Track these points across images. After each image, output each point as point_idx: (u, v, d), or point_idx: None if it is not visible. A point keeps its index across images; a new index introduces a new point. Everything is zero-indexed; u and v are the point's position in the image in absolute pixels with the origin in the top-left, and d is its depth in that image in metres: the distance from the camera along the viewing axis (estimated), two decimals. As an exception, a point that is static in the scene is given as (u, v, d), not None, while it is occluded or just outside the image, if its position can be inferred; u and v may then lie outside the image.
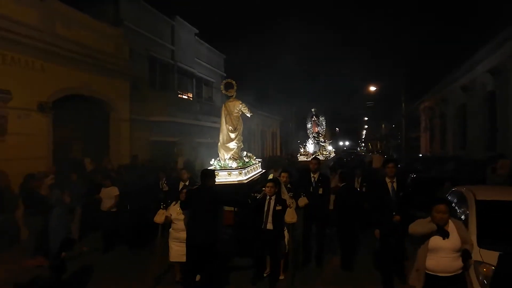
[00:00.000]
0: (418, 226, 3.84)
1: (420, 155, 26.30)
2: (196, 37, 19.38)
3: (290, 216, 5.68)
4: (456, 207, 5.27)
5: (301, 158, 14.40)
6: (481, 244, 4.08)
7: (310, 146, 15.05)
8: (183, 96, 18.36)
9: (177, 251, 5.63)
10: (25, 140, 9.30)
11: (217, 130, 7.62)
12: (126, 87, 13.22)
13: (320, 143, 15.34)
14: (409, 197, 5.90)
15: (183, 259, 5.34)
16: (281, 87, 31.44)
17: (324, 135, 16.72)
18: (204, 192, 5.22)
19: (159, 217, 5.74)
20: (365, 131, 70.95)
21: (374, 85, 31.71)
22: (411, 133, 31.37)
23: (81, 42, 11.14)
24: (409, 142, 30.69)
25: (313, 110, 16.43)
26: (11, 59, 9.12)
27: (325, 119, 16.75)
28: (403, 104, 27.21)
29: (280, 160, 19.80)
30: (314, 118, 16.22)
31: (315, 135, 15.49)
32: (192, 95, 19.03)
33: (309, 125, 16.20)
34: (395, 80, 24.39)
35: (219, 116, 7.46)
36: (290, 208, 5.73)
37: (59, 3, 10.57)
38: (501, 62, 13.41)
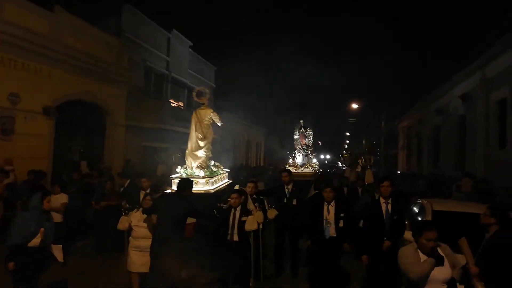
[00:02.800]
0: (416, 268, 3.36)
1: (398, 171, 27.47)
2: (190, 49, 20.24)
3: (250, 223, 5.64)
4: (418, 215, 6.19)
5: (290, 169, 14.61)
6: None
7: (299, 158, 15.12)
8: (175, 105, 19.10)
9: (136, 261, 5.34)
10: (30, 141, 9.96)
11: None
12: (123, 94, 13.94)
13: (308, 155, 15.35)
14: (404, 220, 5.45)
15: (141, 269, 5.23)
16: (267, 100, 32.47)
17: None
18: (175, 201, 5.16)
19: (122, 224, 5.58)
20: (346, 145, 72.47)
21: (357, 102, 33.18)
22: (390, 150, 32.80)
23: (85, 51, 11.87)
24: (387, 159, 32.12)
25: (301, 121, 16.13)
26: (21, 65, 9.81)
27: (312, 131, 16.44)
28: (382, 123, 28.65)
29: (264, 171, 19.82)
30: (302, 130, 16.00)
31: (304, 147, 15.42)
32: (184, 104, 19.80)
33: (296, 136, 16.02)
34: (377, 98, 25.75)
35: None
36: (252, 215, 5.70)
37: (67, 14, 11.30)
38: (471, 90, 14.67)
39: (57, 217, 6.53)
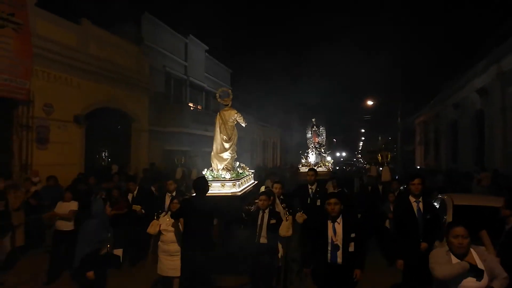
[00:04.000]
0: (444, 267, 3.15)
1: (418, 167, 27.36)
2: (206, 53, 20.72)
3: (285, 229, 5.47)
4: (440, 210, 6.43)
5: (303, 169, 13.81)
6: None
7: (312, 157, 14.84)
8: (194, 108, 19.59)
9: (166, 265, 5.31)
10: (63, 148, 10.52)
11: None
12: (146, 100, 14.47)
13: (322, 153, 15.08)
14: (439, 220, 5.10)
15: (172, 273, 5.24)
16: (282, 99, 32.78)
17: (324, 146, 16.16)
18: (200, 203, 5.03)
19: (153, 228, 5.47)
20: (361, 142, 72.14)
21: (372, 99, 33.18)
22: (407, 146, 32.71)
23: (110, 60, 12.42)
24: (404, 155, 32.05)
25: (313, 120, 15.80)
26: (54, 77, 10.37)
27: (325, 129, 16.11)
28: (399, 118, 28.63)
29: (280, 171, 19.66)
30: (315, 128, 15.63)
31: (316, 146, 15.11)
32: (202, 107, 20.28)
33: (309, 135, 15.67)
34: (392, 95, 25.85)
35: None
36: (286, 221, 5.53)
37: (92, 26, 11.84)
38: (488, 84, 14.73)
39: (67, 225, 6.40)
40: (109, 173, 11.87)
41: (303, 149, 17.69)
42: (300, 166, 14.64)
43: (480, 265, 3.09)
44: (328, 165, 14.64)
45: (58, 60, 10.36)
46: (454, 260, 3.16)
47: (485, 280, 3.05)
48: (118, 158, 13.22)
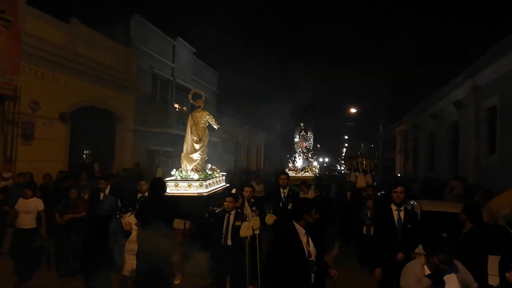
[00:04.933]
0: (409, 279, 3.26)
1: (399, 174, 27.81)
2: (193, 55, 20.95)
3: (245, 229, 5.46)
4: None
5: (290, 174, 13.26)
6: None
7: (299, 161, 14.98)
8: (179, 109, 19.78)
9: (131, 264, 5.20)
10: (48, 145, 10.61)
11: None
12: (132, 100, 14.64)
13: (309, 158, 15.20)
14: (419, 231, 4.89)
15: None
16: (267, 104, 33.21)
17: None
18: (158, 202, 4.97)
19: (129, 225, 5.36)
20: (345, 149, 73.09)
21: (355, 107, 33.92)
22: (388, 153, 33.49)
23: (98, 60, 12.57)
24: (385, 162, 32.79)
25: (301, 124, 15.84)
26: (41, 74, 10.49)
27: (313, 134, 16.14)
28: (380, 127, 29.33)
29: (266, 175, 20.16)
30: (303, 132, 15.71)
31: (304, 150, 15.23)
32: (187, 108, 20.46)
33: (296, 139, 15.70)
34: (375, 103, 26.50)
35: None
36: (246, 221, 5.54)
37: (81, 25, 11.98)
38: (463, 97, 15.36)
39: (29, 223, 6.25)
40: (91, 172, 12.00)
41: (288, 153, 17.91)
42: (287, 170, 14.36)
43: (453, 279, 3.18)
44: (315, 170, 14.85)
45: (46, 57, 10.49)
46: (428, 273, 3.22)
47: None
48: (102, 157, 13.33)
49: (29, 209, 6.32)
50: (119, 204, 6.74)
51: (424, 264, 3.27)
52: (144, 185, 7.02)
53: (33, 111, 10.18)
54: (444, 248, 3.21)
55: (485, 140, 13.51)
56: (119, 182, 9.58)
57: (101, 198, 7.07)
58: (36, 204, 6.41)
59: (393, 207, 4.94)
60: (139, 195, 6.83)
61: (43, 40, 10.35)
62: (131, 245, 5.22)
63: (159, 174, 11.95)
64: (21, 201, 6.36)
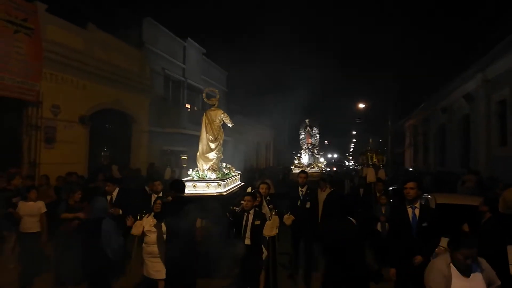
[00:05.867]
0: (436, 279, 3.24)
1: (410, 169, 27.66)
2: (203, 56, 21.23)
3: (269, 229, 5.42)
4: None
5: (296, 170, 13.63)
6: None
7: (305, 158, 14.80)
8: (191, 109, 20.08)
9: (151, 267, 5.22)
10: (69, 148, 10.95)
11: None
12: (147, 102, 14.95)
13: (315, 154, 15.04)
14: (437, 229, 4.56)
15: (157, 276, 5.14)
16: (276, 101, 33.36)
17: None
18: (180, 203, 5.00)
19: (136, 229, 5.35)
20: (353, 144, 73.07)
21: (364, 102, 33.96)
22: (397, 148, 33.54)
23: (113, 63, 12.89)
24: (394, 157, 32.86)
25: (306, 120, 15.57)
26: (61, 79, 10.82)
27: (319, 130, 15.84)
28: (389, 122, 29.39)
29: (273, 172, 19.80)
30: (308, 128, 15.37)
31: (310, 147, 15.05)
32: (199, 108, 20.76)
33: (302, 136, 15.44)
34: (383, 98, 26.55)
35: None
36: (269, 220, 5.50)
37: (98, 31, 12.31)
38: (474, 90, 15.46)
39: (33, 227, 6.13)
40: (109, 173, 12.31)
41: (296, 150, 17.87)
42: (293, 167, 14.47)
43: (477, 274, 3.20)
44: (321, 166, 14.55)
45: (66, 63, 10.82)
46: (455, 273, 3.19)
47: (483, 287, 3.17)
48: (119, 158, 13.66)
49: (32, 212, 6.18)
50: (112, 209, 6.36)
51: (450, 263, 3.23)
52: (159, 186, 7.03)
53: (54, 115, 10.52)
54: (468, 243, 3.18)
55: (496, 132, 13.63)
56: (127, 183, 9.36)
57: (108, 201, 6.64)
58: (38, 206, 6.26)
59: (407, 204, 4.69)
60: (154, 196, 6.79)
61: (62, 46, 10.68)
62: (150, 248, 5.22)
63: (167, 174, 11.78)
64: (21, 204, 6.21)
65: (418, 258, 4.33)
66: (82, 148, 11.61)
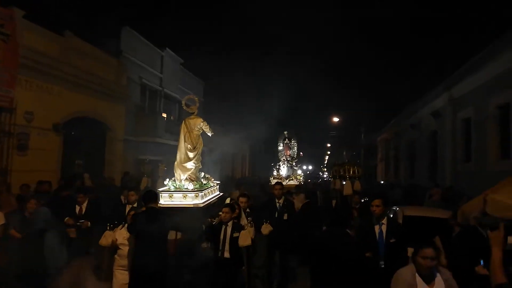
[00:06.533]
0: (402, 285, 3.32)
1: (382, 182, 28.17)
2: (180, 66, 21.34)
3: (243, 239, 5.28)
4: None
5: (274, 182, 13.02)
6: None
7: (283, 170, 14.95)
8: (167, 119, 20.06)
9: (122, 280, 5.04)
10: (41, 155, 10.78)
11: None
12: (122, 110, 14.89)
13: (293, 166, 15.17)
14: (404, 243, 4.57)
15: None
16: (252, 112, 33.64)
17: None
18: (152, 215, 4.86)
19: (105, 240, 5.15)
20: (327, 157, 74.10)
21: (338, 116, 34.79)
22: (370, 161, 34.40)
23: (90, 71, 12.83)
24: (367, 170, 33.67)
25: (285, 133, 15.69)
26: (36, 85, 10.71)
27: (297, 142, 15.90)
28: (362, 135, 30.21)
29: (251, 183, 19.00)
30: (287, 141, 15.53)
31: (288, 158, 15.22)
32: (175, 118, 20.78)
33: (280, 148, 15.55)
34: (356, 113, 27.36)
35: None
36: (245, 230, 5.38)
37: (75, 38, 12.27)
38: (441, 107, 16.19)
39: None
40: (82, 182, 12.13)
41: (272, 161, 18.05)
42: (272, 178, 14.47)
43: (441, 285, 3.29)
44: (300, 179, 14.63)
45: (41, 69, 10.72)
46: (420, 283, 3.29)
47: None
48: (93, 166, 13.51)
49: None
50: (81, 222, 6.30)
51: (415, 273, 3.33)
52: (132, 196, 6.79)
53: (28, 122, 10.37)
54: (425, 243, 3.35)
55: (461, 149, 14.29)
56: (100, 193, 9.25)
57: (77, 212, 6.75)
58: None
59: (375, 222, 4.76)
60: (128, 206, 6.53)
61: (38, 52, 10.60)
62: (122, 261, 5.07)
63: (144, 183, 11.37)
64: None
65: None
66: (55, 156, 11.45)
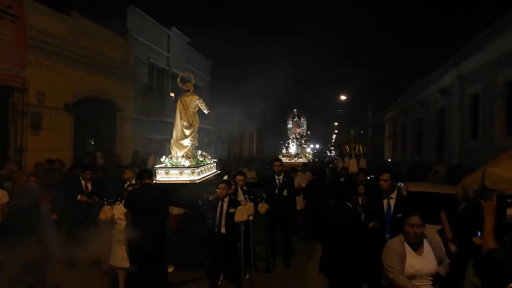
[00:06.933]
0: (391, 257, 3.46)
1: (389, 159, 28.14)
2: (188, 45, 21.30)
3: (240, 214, 5.39)
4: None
5: (283, 160, 13.07)
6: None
7: (292, 148, 15.01)
8: (175, 98, 20.21)
9: (121, 255, 5.12)
10: (54, 135, 11.05)
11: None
12: (131, 90, 15.05)
13: (302, 144, 15.20)
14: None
15: (126, 264, 5.05)
16: (260, 91, 33.62)
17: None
18: (148, 191, 4.96)
19: (104, 214, 5.27)
20: (334, 135, 73.98)
21: (345, 94, 34.65)
22: (377, 139, 34.40)
23: (98, 51, 12.93)
24: (374, 148, 33.72)
25: (294, 110, 15.63)
26: (46, 66, 10.85)
27: (306, 120, 15.87)
28: (370, 113, 30.11)
29: (260, 162, 19.41)
30: (296, 118, 15.52)
31: (297, 136, 15.18)
32: (182, 97, 20.90)
33: (290, 125, 15.50)
34: (364, 90, 27.22)
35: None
36: (242, 206, 5.46)
37: (82, 18, 12.31)
38: (449, 84, 16.10)
39: None
40: (94, 160, 12.44)
41: (279, 140, 18.12)
42: (281, 156, 14.12)
43: (429, 252, 3.48)
44: (309, 156, 14.78)
45: (50, 50, 10.84)
46: (409, 251, 3.46)
47: (433, 265, 3.45)
48: (104, 145, 13.80)
49: None
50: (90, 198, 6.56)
51: (404, 242, 3.50)
52: (127, 173, 6.80)
53: (40, 102, 10.58)
54: (411, 212, 3.60)
55: (468, 125, 14.30)
56: (109, 171, 9.43)
57: (84, 189, 6.98)
58: (3, 196, 5.69)
59: (384, 195, 4.85)
60: (126, 183, 6.57)
61: (47, 33, 10.69)
62: (120, 235, 5.11)
63: (151, 161, 11.67)
64: None
65: None
66: (68, 135, 11.71)
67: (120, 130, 14.64)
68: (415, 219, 3.44)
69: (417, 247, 3.50)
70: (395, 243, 3.55)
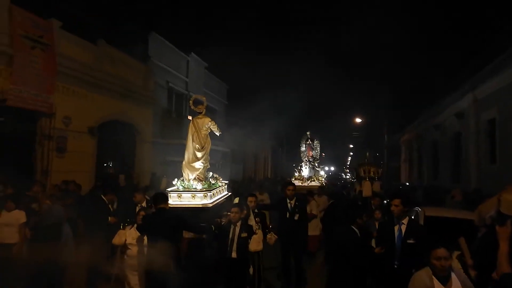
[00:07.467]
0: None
1: (407, 183, 27.75)
2: (205, 69, 21.91)
3: (255, 244, 5.37)
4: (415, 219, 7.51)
5: (296, 183, 12.93)
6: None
7: (305, 170, 14.90)
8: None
9: (133, 280, 5.15)
10: (78, 157, 11.43)
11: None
12: (150, 114, 15.51)
13: (315, 167, 15.16)
14: (424, 245, 4.14)
15: None
16: (274, 115, 33.97)
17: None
18: (162, 216, 4.95)
19: (119, 238, 5.25)
20: (350, 158, 73.57)
21: (360, 116, 34.71)
22: (393, 162, 34.15)
23: (120, 76, 13.48)
24: (390, 171, 33.44)
25: (308, 133, 15.60)
26: (72, 92, 11.36)
27: (319, 143, 15.85)
28: (385, 136, 30.05)
29: (272, 184, 19.30)
30: (309, 141, 15.44)
31: (310, 159, 15.14)
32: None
33: (303, 148, 15.45)
34: (379, 113, 27.28)
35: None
36: (256, 234, 5.42)
37: (107, 46, 12.91)
38: (464, 108, 16.13)
39: (9, 237, 5.73)
40: (116, 182, 12.78)
41: (293, 163, 18.08)
42: (293, 179, 14.12)
43: (458, 285, 3.30)
44: (321, 180, 14.55)
45: (77, 76, 11.40)
46: (437, 284, 3.30)
47: None
48: (124, 168, 14.17)
49: (10, 221, 5.90)
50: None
51: (432, 275, 3.34)
52: (137, 197, 6.85)
53: (66, 126, 11.04)
54: (438, 244, 3.38)
55: (485, 150, 14.24)
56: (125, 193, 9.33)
57: (111, 210, 7.16)
58: (17, 217, 5.93)
59: (395, 221, 4.81)
60: (138, 206, 6.61)
61: (74, 60, 11.26)
62: (132, 261, 5.12)
63: (163, 183, 11.71)
64: (3, 213, 5.94)
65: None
66: (90, 158, 12.11)
67: (139, 152, 15.03)
68: (441, 252, 3.28)
69: (446, 280, 3.34)
70: (422, 277, 3.41)
